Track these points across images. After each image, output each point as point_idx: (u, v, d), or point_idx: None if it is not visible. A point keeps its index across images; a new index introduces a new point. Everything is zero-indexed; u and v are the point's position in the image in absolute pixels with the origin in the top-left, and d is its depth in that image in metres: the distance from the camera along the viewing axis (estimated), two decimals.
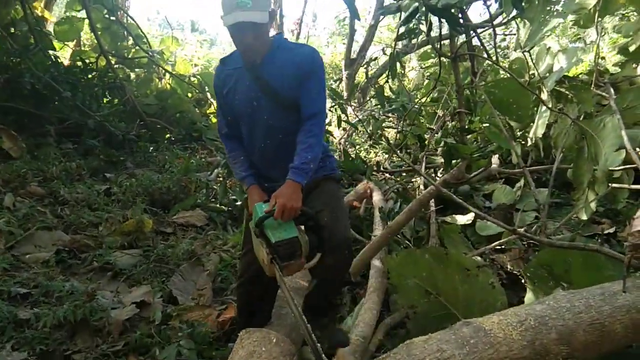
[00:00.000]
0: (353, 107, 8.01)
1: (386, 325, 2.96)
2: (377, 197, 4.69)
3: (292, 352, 1.67)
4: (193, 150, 6.98)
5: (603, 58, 6.11)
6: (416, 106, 5.74)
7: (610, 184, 3.18)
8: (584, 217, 3.58)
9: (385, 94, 6.45)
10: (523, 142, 4.96)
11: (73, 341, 2.59)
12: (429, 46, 6.34)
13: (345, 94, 8.55)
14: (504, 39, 9.32)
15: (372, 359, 2.49)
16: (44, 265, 3.23)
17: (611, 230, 4.36)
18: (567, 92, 3.66)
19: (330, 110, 6.29)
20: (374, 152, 7.72)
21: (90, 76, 6.68)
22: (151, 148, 6.45)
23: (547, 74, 3.84)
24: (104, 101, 6.90)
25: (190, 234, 4.24)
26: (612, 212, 4.57)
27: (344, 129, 7.38)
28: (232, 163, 2.36)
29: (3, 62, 5.59)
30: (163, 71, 8.74)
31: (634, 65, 4.52)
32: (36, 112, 5.65)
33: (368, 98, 9.14)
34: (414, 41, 5.80)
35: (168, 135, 7.35)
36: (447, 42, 4.37)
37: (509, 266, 3.79)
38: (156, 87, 8.52)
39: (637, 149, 2.71)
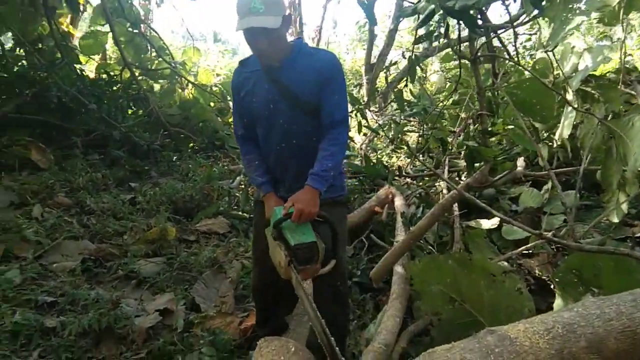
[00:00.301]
0: (374, 112, 7.97)
1: (409, 332, 2.90)
2: (399, 202, 4.63)
3: None
4: (215, 159, 7.06)
5: (630, 55, 5.93)
6: (437, 109, 5.67)
7: None
8: (615, 220, 3.45)
9: (406, 98, 6.40)
10: (549, 144, 4.84)
11: (98, 349, 2.63)
12: (450, 48, 6.27)
13: (365, 99, 8.52)
14: (529, 39, 9.12)
15: None
16: (70, 274, 3.30)
17: None
18: (593, 92, 3.55)
19: (350, 115, 6.27)
20: (396, 157, 7.66)
21: (115, 88, 6.84)
22: (175, 157, 6.55)
23: (573, 74, 3.74)
24: (129, 112, 7.05)
25: (212, 242, 4.27)
26: None
27: (365, 134, 7.35)
28: (247, 167, 2.37)
29: (31, 77, 5.77)
30: (186, 82, 8.88)
31: None
32: (63, 124, 5.81)
33: (388, 102, 9.09)
34: (434, 44, 5.73)
35: (191, 145, 7.45)
36: (467, 43, 4.31)
37: (536, 271, 3.69)
38: (179, 98, 8.67)
39: None
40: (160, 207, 4.54)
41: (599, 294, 2.18)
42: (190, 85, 8.92)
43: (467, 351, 1.61)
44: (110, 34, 7.29)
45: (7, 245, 3.43)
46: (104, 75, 6.94)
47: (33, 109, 5.55)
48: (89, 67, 8.17)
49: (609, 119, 3.14)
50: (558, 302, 2.62)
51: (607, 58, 4.79)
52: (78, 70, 6.48)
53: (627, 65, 4.54)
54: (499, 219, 4.09)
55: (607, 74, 5.41)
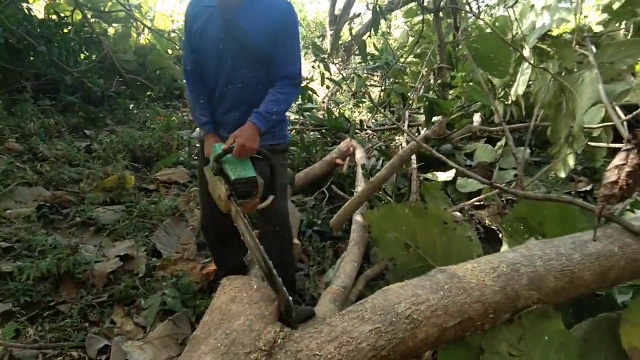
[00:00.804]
0: (337, 65, 7.91)
1: (366, 276, 3.04)
2: (360, 155, 4.71)
3: (273, 298, 1.72)
4: (174, 108, 6.88)
5: (587, 17, 6.09)
6: (400, 64, 5.70)
7: (588, 142, 3.23)
8: (562, 175, 3.66)
9: (369, 52, 6.37)
10: (505, 102, 4.99)
11: (58, 293, 2.63)
12: (415, 3, 6.23)
13: (329, 51, 8.41)
14: None
15: None
16: (25, 220, 3.22)
17: (588, 188, 4.48)
18: (549, 49, 3.66)
19: (313, 67, 6.21)
20: (358, 111, 7.70)
21: (66, 31, 6.43)
22: (131, 106, 6.33)
23: (531, 32, 3.82)
24: (81, 57, 6.68)
25: (173, 191, 4.23)
26: (591, 170, 4.68)
27: (328, 87, 7.32)
28: (192, 104, 2.36)
29: None
30: (142, 26, 8.46)
31: (617, 24, 4.52)
32: (11, 67, 5.47)
33: (352, 55, 9.02)
34: None
35: (149, 93, 7.20)
36: None
37: (487, 222, 3.89)
38: (135, 43, 8.27)
39: (614, 104, 2.75)
40: (117, 156, 4.43)
41: None
42: (146, 31, 8.51)
43: (419, 288, 1.72)
44: None
45: None
46: (54, 17, 6.48)
47: None
48: (37, 7, 7.62)
49: (561, 75, 3.26)
50: (505, 249, 2.79)
51: (564, 20, 4.91)
52: (25, 10, 6.04)
53: (584, 27, 4.67)
54: (454, 172, 4.26)
55: (564, 35, 5.56)
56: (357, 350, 1.56)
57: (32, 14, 6.16)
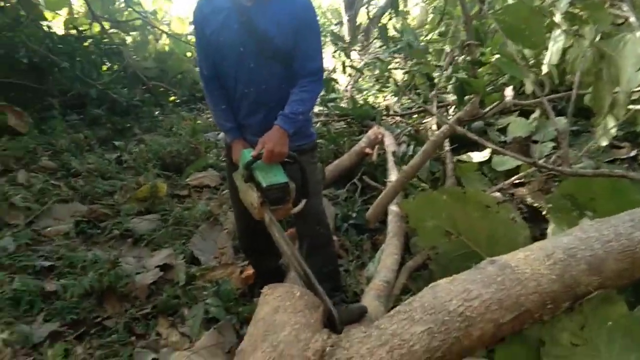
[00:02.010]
0: (357, 51, 7.76)
1: (409, 268, 2.96)
2: (389, 141, 4.60)
3: (317, 305, 1.66)
4: (198, 111, 6.90)
5: None
6: (422, 44, 5.52)
7: (629, 106, 3.04)
8: (604, 143, 3.47)
9: (389, 34, 6.21)
10: (537, 72, 4.77)
11: (102, 308, 2.64)
12: None
13: (347, 38, 8.27)
14: None
15: (397, 302, 2.49)
16: (64, 237, 3.26)
17: (632, 154, 4.26)
18: (581, 13, 3.44)
19: (333, 56, 6.10)
20: (382, 97, 7.55)
21: (86, 44, 6.51)
22: (156, 112, 6.37)
23: None
24: (103, 68, 6.77)
25: (205, 195, 4.23)
26: (632, 135, 4.44)
27: (350, 75, 7.19)
28: (214, 110, 2.32)
29: None
30: (159, 32, 8.50)
31: None
32: (37, 86, 5.56)
33: (371, 40, 8.84)
34: None
35: (172, 98, 7.25)
36: None
37: (529, 199, 3.73)
38: (154, 49, 8.33)
39: None
40: (147, 164, 4.45)
41: (594, 217, 2.20)
42: (164, 36, 8.55)
43: (470, 282, 1.63)
44: None
45: None
46: (73, 31, 6.58)
47: (3, 72, 5.29)
48: (56, 24, 7.75)
49: (598, 40, 3.06)
50: (552, 228, 2.66)
51: None
52: (45, 27, 6.14)
53: None
54: (489, 151, 4.10)
55: None
56: (410, 353, 1.49)
57: (52, 30, 6.25)
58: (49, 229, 3.37)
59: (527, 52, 4.00)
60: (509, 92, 4.66)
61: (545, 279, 1.60)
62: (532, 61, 4.70)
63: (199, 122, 5.70)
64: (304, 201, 2.14)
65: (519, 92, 5.52)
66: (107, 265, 2.83)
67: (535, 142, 4.57)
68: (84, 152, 4.72)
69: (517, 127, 4.90)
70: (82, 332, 2.44)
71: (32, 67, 5.47)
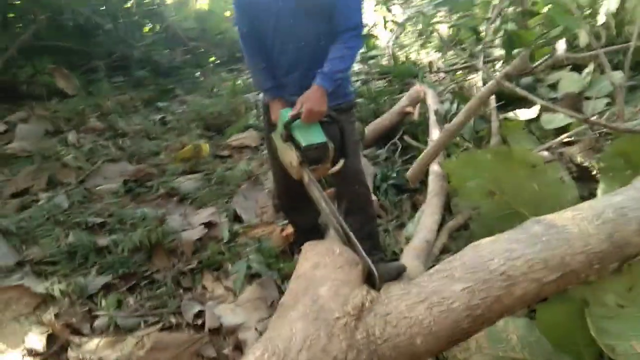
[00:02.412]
0: (399, 5, 7.47)
1: (449, 228, 2.93)
2: (431, 99, 4.46)
3: (356, 261, 1.67)
4: (238, 72, 6.91)
5: None
6: None
7: None
8: None
9: None
10: (592, 23, 4.47)
11: (151, 262, 2.78)
12: None
13: None
14: None
15: (436, 262, 2.48)
16: (114, 195, 3.42)
17: None
18: None
19: (374, 10, 5.90)
20: (425, 53, 7.29)
21: (127, 5, 6.58)
22: (197, 73, 6.43)
23: None
24: (145, 30, 6.84)
25: (246, 155, 4.30)
26: None
27: (391, 30, 6.96)
28: (252, 69, 2.31)
29: (42, 0, 5.58)
30: None
31: None
32: (83, 48, 5.71)
33: None
34: None
35: (212, 59, 7.28)
36: None
37: (578, 158, 3.57)
38: (194, 9, 8.31)
39: None
40: (190, 125, 4.54)
41: None
42: None
43: (513, 241, 1.59)
44: None
45: (50, 172, 3.54)
46: None
47: (50, 35, 5.44)
48: None
49: None
50: (603, 188, 2.54)
51: None
52: None
53: None
54: (538, 108, 3.92)
55: None
56: (449, 311, 1.48)
57: None
58: (99, 187, 3.53)
59: (582, 0, 3.74)
60: (561, 45, 4.40)
61: (594, 238, 1.54)
62: (588, 11, 4.39)
63: (239, 82, 5.71)
64: (342, 161, 2.13)
65: (572, 46, 5.20)
66: (154, 222, 2.95)
67: (588, 98, 4.32)
68: (130, 113, 4.86)
69: (569, 82, 4.63)
70: (133, 284, 2.58)
71: (77, 30, 5.61)
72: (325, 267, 1.63)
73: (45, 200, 3.19)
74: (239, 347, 2.13)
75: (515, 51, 3.45)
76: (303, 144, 1.95)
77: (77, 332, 2.23)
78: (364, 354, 1.44)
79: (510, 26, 3.47)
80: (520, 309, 1.70)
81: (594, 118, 2.58)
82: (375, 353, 1.45)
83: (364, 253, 1.72)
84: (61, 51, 5.51)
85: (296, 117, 2.01)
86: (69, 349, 2.11)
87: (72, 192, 3.36)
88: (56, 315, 2.26)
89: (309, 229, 2.77)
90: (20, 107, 4.60)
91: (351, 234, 1.75)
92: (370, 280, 1.68)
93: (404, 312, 1.50)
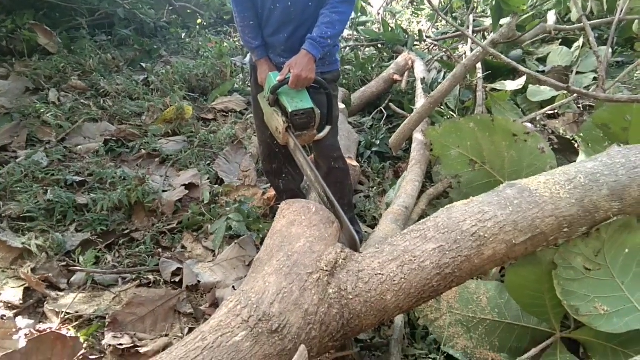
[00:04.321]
0: None
1: (429, 195, 2.96)
2: (419, 68, 4.44)
3: (332, 220, 1.69)
4: (225, 34, 6.76)
5: None
6: None
7: None
8: None
9: None
10: None
11: (130, 221, 2.77)
12: None
13: None
14: None
15: None
16: (94, 154, 3.37)
17: None
18: None
19: None
20: (416, 21, 7.20)
21: None
22: (183, 34, 6.28)
23: None
24: None
25: (230, 119, 4.25)
26: None
27: None
28: (241, 27, 2.24)
29: None
30: None
31: None
32: (65, 4, 5.51)
33: None
34: None
35: (199, 20, 7.09)
36: None
37: (561, 131, 3.60)
38: None
39: None
40: (174, 86, 4.46)
41: None
42: None
43: (486, 204, 1.62)
44: None
45: (29, 130, 3.48)
46: None
47: None
48: None
49: None
50: (581, 158, 2.57)
51: None
52: None
53: None
54: (524, 80, 3.92)
55: None
56: (419, 269, 1.51)
57: None
58: (79, 146, 3.47)
59: None
60: (551, 16, 4.37)
61: (564, 202, 1.57)
62: None
63: (225, 45, 5.60)
64: (328, 128, 2.14)
65: (564, 19, 5.17)
66: (135, 182, 2.92)
67: (581, 73, 4.33)
68: (113, 73, 4.75)
69: (558, 56, 4.63)
70: (111, 242, 2.58)
71: None
72: (300, 225, 1.65)
73: (24, 157, 3.13)
74: (216, 304, 2.15)
75: (503, 20, 3.41)
76: (289, 109, 1.95)
77: (53, 286, 2.23)
78: (335, 308, 1.47)
79: None
80: (490, 270, 1.74)
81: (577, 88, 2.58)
82: (346, 307, 1.49)
83: (346, 219, 1.73)
84: (43, 7, 5.32)
85: (283, 82, 1.99)
86: (45, 303, 2.12)
87: (51, 150, 3.30)
88: (33, 270, 2.26)
89: (291, 193, 2.78)
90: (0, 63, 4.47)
91: (335, 201, 1.76)
92: (352, 246, 1.70)
93: (376, 269, 1.53)
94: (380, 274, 1.51)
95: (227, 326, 1.35)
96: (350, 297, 1.48)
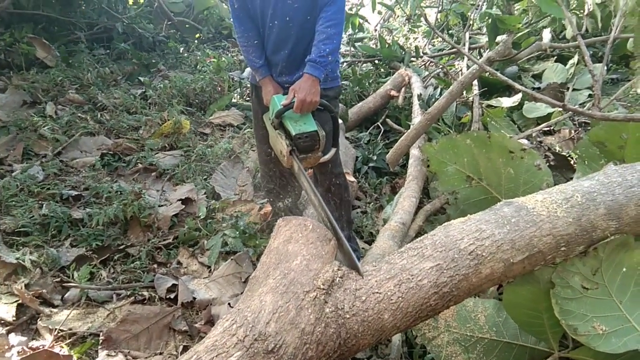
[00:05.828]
0: None
1: (426, 211, 2.95)
2: (416, 84, 4.47)
3: (329, 237, 1.67)
4: (224, 49, 6.80)
5: None
6: None
7: None
8: None
9: None
10: (578, 13, 4.49)
11: (126, 236, 2.75)
12: None
13: None
14: None
15: None
16: (91, 168, 3.36)
17: None
18: None
19: None
20: (413, 37, 7.27)
21: None
22: (181, 49, 6.32)
23: None
24: (129, 2, 6.67)
25: (227, 134, 4.25)
26: None
27: (379, 13, 6.90)
28: (245, 47, 2.24)
29: None
30: None
31: None
32: (64, 18, 5.55)
33: None
34: None
35: (198, 35, 7.14)
36: None
37: (557, 147, 3.62)
38: None
39: None
40: (172, 101, 4.47)
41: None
42: None
43: (483, 222, 1.61)
44: None
45: (26, 143, 3.47)
46: None
47: (31, 4, 5.27)
48: None
49: None
50: (578, 176, 2.58)
51: None
52: None
53: None
54: (520, 96, 3.95)
55: None
56: (417, 287, 1.50)
57: None
58: (75, 160, 3.47)
59: None
60: (546, 34, 4.43)
61: (561, 221, 1.57)
62: (574, 1, 4.42)
63: (223, 59, 5.63)
64: (333, 150, 2.13)
65: (559, 36, 5.23)
66: (131, 196, 2.91)
67: (576, 90, 4.37)
68: (110, 87, 4.76)
69: (553, 73, 4.68)
70: (106, 257, 2.56)
71: None
72: (297, 242, 1.63)
73: (20, 171, 3.12)
74: (211, 322, 2.13)
75: (499, 38, 3.45)
76: (293, 132, 1.93)
77: (47, 303, 2.20)
78: (332, 327, 1.45)
79: (496, 11, 3.47)
80: (487, 288, 1.73)
81: (573, 106, 2.60)
82: (343, 327, 1.47)
83: (350, 248, 1.70)
84: (42, 20, 5.35)
85: (288, 106, 1.98)
86: (38, 319, 2.09)
87: (47, 164, 3.29)
88: (26, 286, 2.23)
89: (288, 210, 2.76)
90: None
91: (339, 229, 1.73)
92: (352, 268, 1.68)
93: (373, 287, 1.52)
94: (377, 292, 1.50)
95: (222, 346, 1.33)
96: (348, 316, 1.47)
